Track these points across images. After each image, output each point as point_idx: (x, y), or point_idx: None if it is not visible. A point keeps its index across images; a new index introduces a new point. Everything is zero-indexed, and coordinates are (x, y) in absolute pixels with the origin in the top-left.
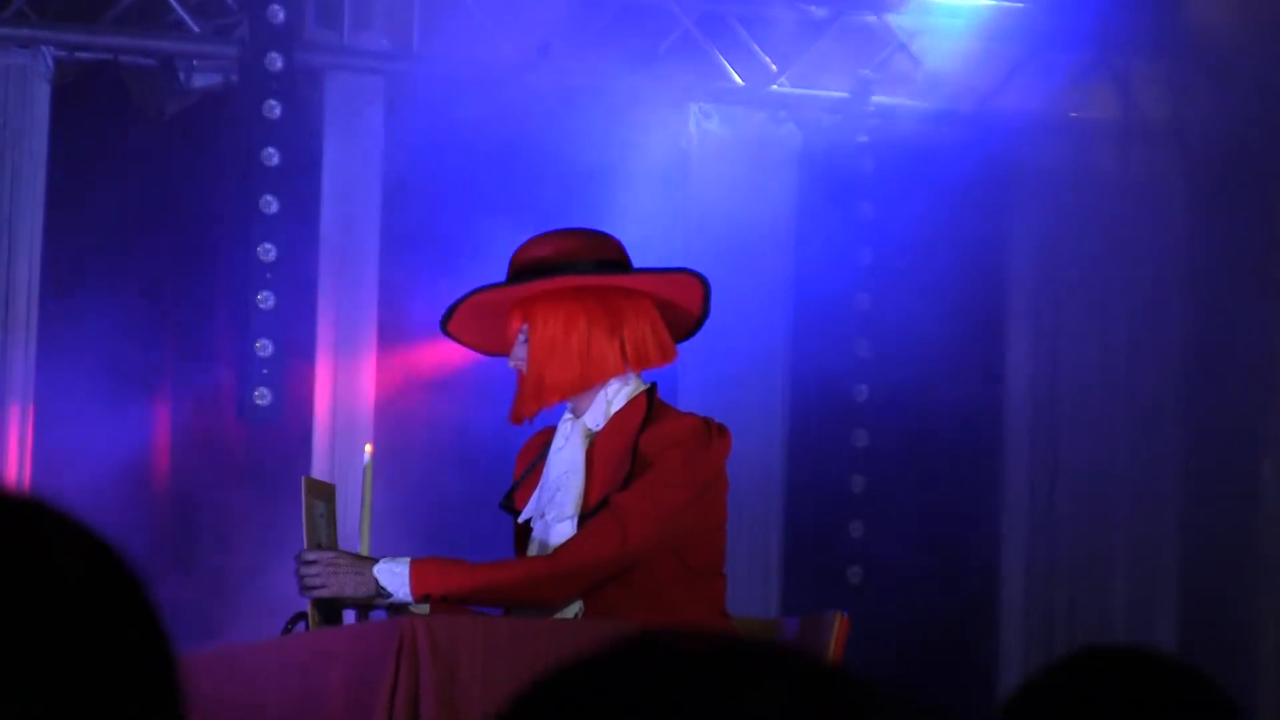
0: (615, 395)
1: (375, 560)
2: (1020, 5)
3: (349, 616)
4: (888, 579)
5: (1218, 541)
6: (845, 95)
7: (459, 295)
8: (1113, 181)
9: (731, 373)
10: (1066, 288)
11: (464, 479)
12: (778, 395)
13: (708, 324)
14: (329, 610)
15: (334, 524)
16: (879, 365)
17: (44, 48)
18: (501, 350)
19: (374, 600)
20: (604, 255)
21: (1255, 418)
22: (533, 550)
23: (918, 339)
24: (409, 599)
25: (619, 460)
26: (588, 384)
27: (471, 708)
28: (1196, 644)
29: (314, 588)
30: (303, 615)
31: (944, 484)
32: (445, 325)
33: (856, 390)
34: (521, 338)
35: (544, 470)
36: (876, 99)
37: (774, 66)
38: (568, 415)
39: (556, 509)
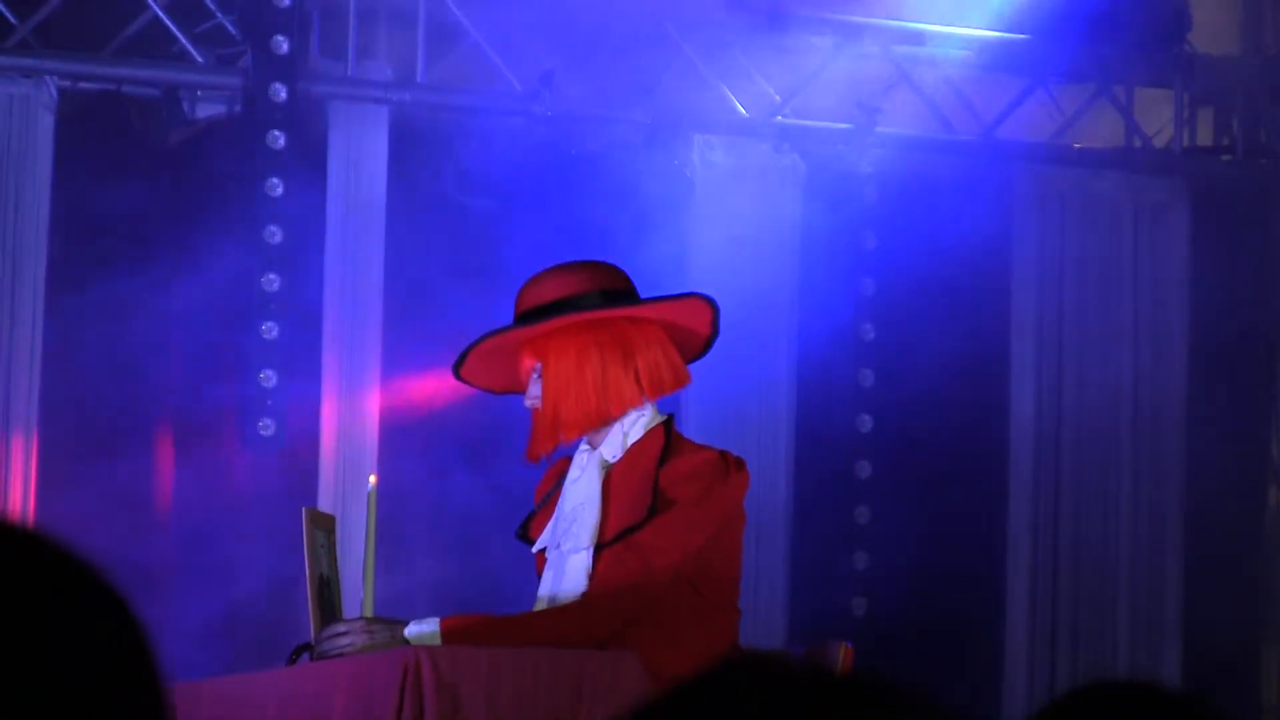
0: (632, 426)
1: (404, 622)
2: (1023, 36)
3: None
4: (891, 610)
5: (1222, 565)
6: (849, 126)
7: (462, 327)
8: (1116, 210)
9: (735, 403)
10: (1070, 315)
11: (469, 509)
12: (782, 426)
13: (711, 355)
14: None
15: (334, 555)
16: (882, 395)
17: (48, 78)
18: (514, 388)
19: None
20: (611, 286)
21: (1260, 441)
22: (546, 579)
23: (921, 369)
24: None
25: (637, 493)
26: (605, 418)
27: None
28: (1200, 668)
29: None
30: (308, 646)
31: (948, 514)
32: (457, 371)
33: (860, 420)
34: (534, 376)
35: (559, 500)
36: (880, 129)
37: (778, 97)
38: (584, 446)
39: (572, 540)
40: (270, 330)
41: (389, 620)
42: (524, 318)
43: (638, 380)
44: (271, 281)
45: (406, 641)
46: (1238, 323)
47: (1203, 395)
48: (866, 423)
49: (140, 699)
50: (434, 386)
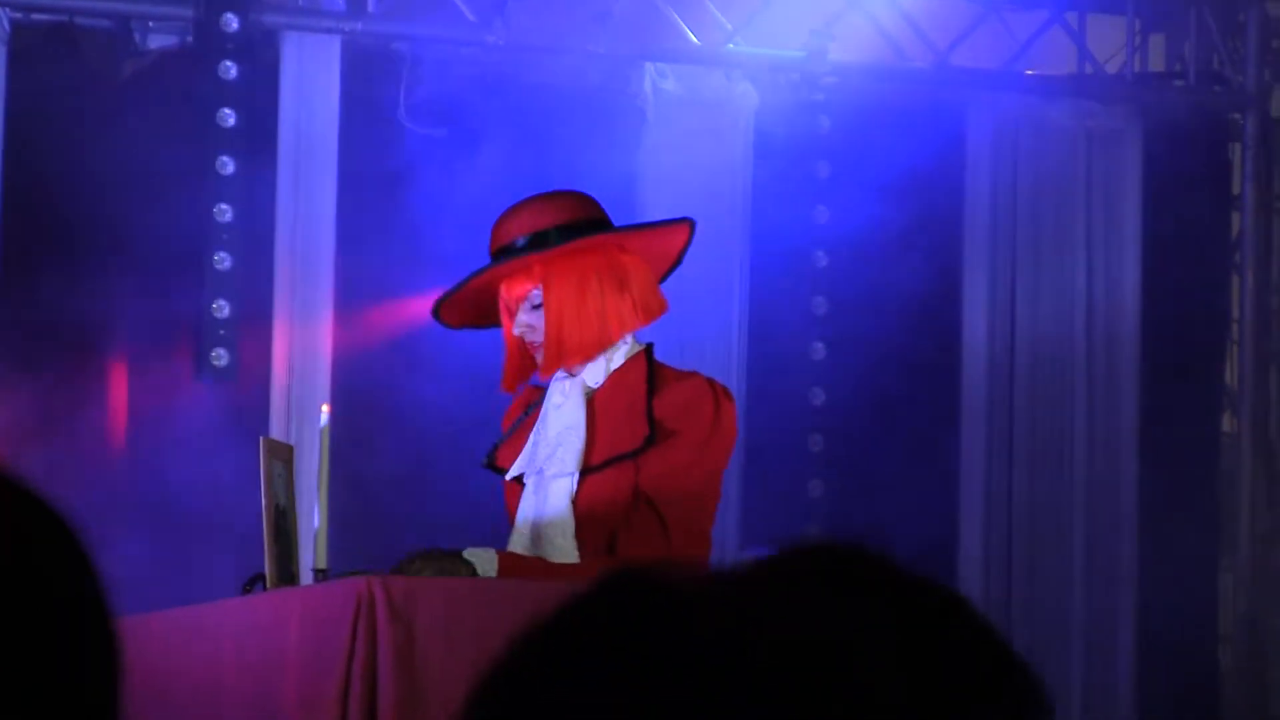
0: (614, 353)
1: (457, 551)
2: None
3: None
4: (847, 537)
5: (1178, 493)
6: (801, 54)
7: (414, 256)
8: (1069, 137)
9: (688, 333)
10: (1024, 243)
11: (421, 439)
12: (734, 354)
13: (663, 285)
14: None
15: (292, 484)
16: (835, 323)
17: (0, 9)
18: (475, 323)
19: None
20: (596, 214)
21: (1215, 368)
22: (528, 504)
23: (874, 296)
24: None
25: (628, 420)
26: (606, 343)
27: (430, 667)
28: (1157, 598)
29: None
30: (261, 577)
31: (901, 440)
32: (439, 307)
33: (813, 348)
34: (528, 304)
35: (536, 427)
36: (832, 58)
37: (729, 25)
38: (561, 373)
39: (557, 464)
40: (223, 260)
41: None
42: (526, 246)
43: (634, 306)
44: (224, 212)
45: (471, 566)
46: (1191, 249)
47: (1156, 323)
48: (819, 350)
49: (89, 635)
50: (388, 315)
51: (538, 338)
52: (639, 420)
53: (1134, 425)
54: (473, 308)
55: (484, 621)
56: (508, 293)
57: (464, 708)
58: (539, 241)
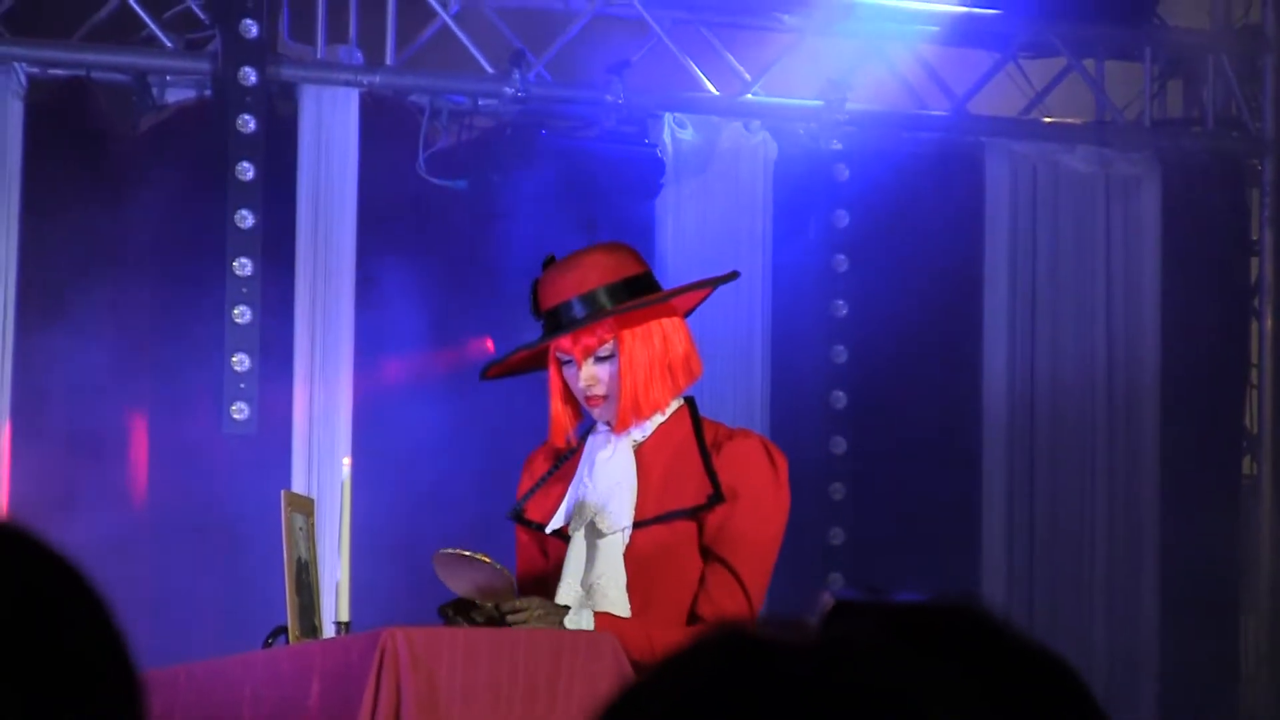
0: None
1: (566, 609)
2: (994, 11)
3: None
4: (870, 583)
5: (1199, 535)
6: (819, 103)
7: (434, 307)
8: (1088, 183)
9: (709, 382)
10: (1043, 290)
11: (443, 491)
12: (756, 403)
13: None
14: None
15: (313, 538)
16: (856, 371)
17: (16, 64)
18: (515, 373)
19: None
20: (647, 267)
21: (1235, 412)
22: (576, 560)
23: (894, 345)
24: None
25: (679, 475)
26: (676, 395)
27: (451, 718)
28: (1178, 638)
29: None
30: (283, 629)
31: (924, 487)
32: (490, 367)
33: (834, 397)
34: (593, 358)
35: (578, 480)
36: (850, 106)
37: (747, 75)
38: (602, 427)
39: (609, 519)
40: (243, 314)
41: (556, 605)
42: (582, 305)
43: (688, 363)
44: (243, 265)
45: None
46: (1210, 294)
47: (1176, 367)
48: (840, 399)
49: (115, 691)
50: (409, 367)
51: (601, 390)
52: (698, 477)
53: (1154, 469)
54: (515, 360)
55: (503, 670)
56: (573, 344)
57: None
58: (599, 299)
